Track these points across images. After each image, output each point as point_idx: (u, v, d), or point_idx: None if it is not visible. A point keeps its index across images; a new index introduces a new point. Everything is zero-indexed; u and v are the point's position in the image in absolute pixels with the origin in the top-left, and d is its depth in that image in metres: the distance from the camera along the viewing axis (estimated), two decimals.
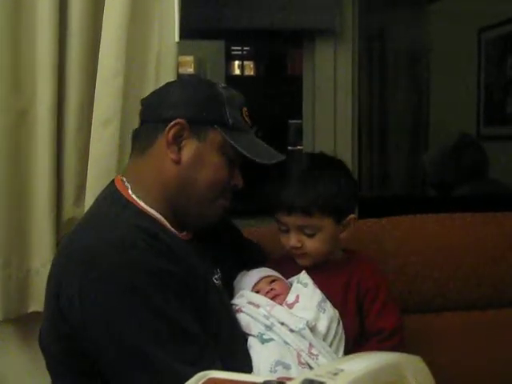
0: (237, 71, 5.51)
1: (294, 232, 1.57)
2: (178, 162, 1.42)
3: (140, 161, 1.47)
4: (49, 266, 1.47)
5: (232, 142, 1.43)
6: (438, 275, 1.99)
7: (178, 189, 1.44)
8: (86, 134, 1.82)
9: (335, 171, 1.61)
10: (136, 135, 1.50)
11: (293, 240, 1.57)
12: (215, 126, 1.43)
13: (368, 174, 4.23)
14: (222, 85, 1.49)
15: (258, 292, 1.53)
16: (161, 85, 1.58)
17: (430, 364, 0.93)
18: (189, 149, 1.43)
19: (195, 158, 1.43)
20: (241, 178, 1.52)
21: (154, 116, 1.47)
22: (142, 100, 1.53)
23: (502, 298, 2.04)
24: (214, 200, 1.47)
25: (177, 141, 1.42)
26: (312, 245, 1.57)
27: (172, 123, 1.41)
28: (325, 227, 1.56)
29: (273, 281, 1.56)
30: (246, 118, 1.50)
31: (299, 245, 1.57)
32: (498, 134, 3.75)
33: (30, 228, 1.82)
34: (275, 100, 5.02)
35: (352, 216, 1.60)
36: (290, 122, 5.07)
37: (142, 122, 1.51)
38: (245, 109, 1.50)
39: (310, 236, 1.56)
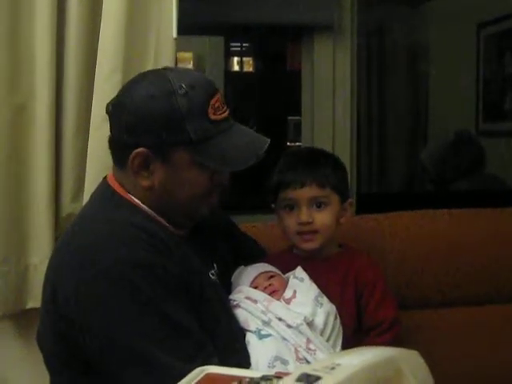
0: (236, 67, 5.50)
1: (305, 207, 1.59)
2: (151, 187, 1.39)
3: (120, 173, 1.43)
4: (47, 262, 1.47)
5: (199, 157, 1.37)
6: (436, 271, 1.99)
7: (159, 203, 1.41)
8: (85, 130, 1.82)
9: (337, 161, 1.70)
10: (110, 146, 1.45)
11: (305, 215, 1.59)
12: (178, 147, 1.36)
13: (367, 169, 4.22)
14: (183, 85, 1.34)
15: (256, 288, 1.53)
16: None
17: (428, 359, 0.94)
18: (159, 173, 1.38)
19: (167, 180, 1.38)
20: (225, 176, 1.46)
21: (117, 137, 1.41)
22: (107, 108, 1.45)
23: (500, 294, 2.04)
24: (200, 204, 1.45)
25: (144, 167, 1.37)
26: (321, 219, 1.59)
27: (133, 155, 1.35)
28: (332, 203, 1.61)
29: (271, 276, 1.56)
30: (219, 108, 1.39)
31: (311, 219, 1.59)
32: (497, 130, 3.74)
33: (29, 224, 1.82)
34: (274, 96, 5.01)
35: (350, 200, 1.68)
36: (289, 118, 5.06)
37: (110, 132, 1.45)
38: (215, 98, 1.38)
39: (320, 209, 1.60)
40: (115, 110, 1.41)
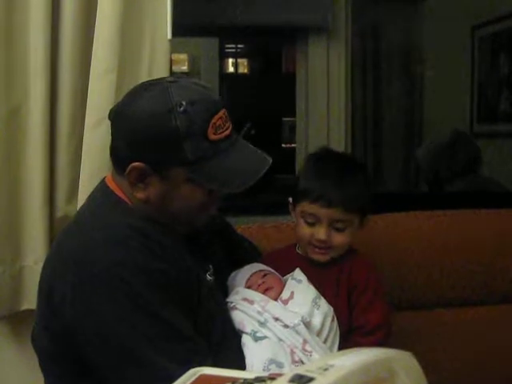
0: (231, 69, 5.51)
1: (325, 225, 1.56)
2: (146, 200, 1.38)
3: (119, 178, 1.42)
4: (42, 264, 1.47)
5: (194, 177, 1.35)
6: (430, 272, 1.99)
7: (155, 213, 1.41)
8: (79, 131, 1.82)
9: (363, 173, 1.67)
10: (110, 152, 1.44)
11: (323, 233, 1.56)
12: (174, 165, 1.35)
13: None
14: (183, 102, 1.32)
15: (250, 287, 1.53)
16: None
17: (421, 360, 0.94)
18: (155, 187, 1.37)
19: (163, 194, 1.37)
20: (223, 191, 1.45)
21: (116, 147, 1.41)
22: (109, 114, 1.44)
23: (494, 295, 2.05)
24: (198, 215, 1.44)
25: (140, 181, 1.36)
26: (339, 239, 1.58)
27: (130, 168, 1.35)
28: (354, 223, 1.59)
29: (264, 275, 1.56)
30: (220, 126, 1.36)
31: (328, 239, 1.57)
32: (492, 132, 3.75)
33: (23, 225, 1.82)
34: (269, 98, 5.01)
35: (369, 216, 1.65)
36: (284, 119, 5.07)
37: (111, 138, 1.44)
38: (217, 116, 1.35)
39: (339, 230, 1.57)
40: (116, 119, 1.41)
